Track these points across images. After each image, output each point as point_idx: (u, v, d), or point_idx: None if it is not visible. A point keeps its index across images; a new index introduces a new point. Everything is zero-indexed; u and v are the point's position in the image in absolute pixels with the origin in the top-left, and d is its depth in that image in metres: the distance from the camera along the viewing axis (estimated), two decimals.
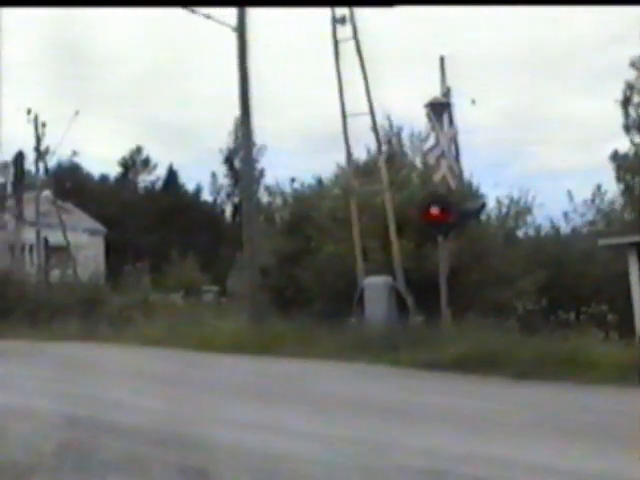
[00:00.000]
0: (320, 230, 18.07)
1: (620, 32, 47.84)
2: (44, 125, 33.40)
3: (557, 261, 19.56)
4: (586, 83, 65.08)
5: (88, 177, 57.65)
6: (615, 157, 37.43)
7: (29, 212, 35.60)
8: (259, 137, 37.88)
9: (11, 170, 42.73)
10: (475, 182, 21.02)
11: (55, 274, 29.90)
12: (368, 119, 17.05)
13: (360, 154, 21.24)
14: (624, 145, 37.79)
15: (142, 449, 6.41)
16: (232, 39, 17.51)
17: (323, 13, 16.85)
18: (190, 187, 59.81)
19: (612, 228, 23.02)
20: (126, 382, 10.65)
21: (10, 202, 39.49)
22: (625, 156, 37.22)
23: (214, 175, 59.60)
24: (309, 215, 18.66)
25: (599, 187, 27.28)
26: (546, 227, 23.85)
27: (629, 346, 11.74)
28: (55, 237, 33.82)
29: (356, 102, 16.79)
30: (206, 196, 60.44)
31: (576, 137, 67.24)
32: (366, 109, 16.83)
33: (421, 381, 10.78)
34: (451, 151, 16.69)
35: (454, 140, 19.65)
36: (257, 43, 18.13)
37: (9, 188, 42.39)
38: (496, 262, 17.89)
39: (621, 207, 29.36)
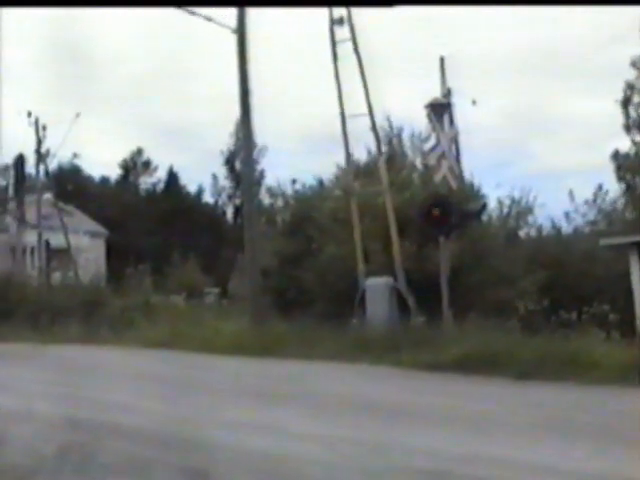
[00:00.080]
0: (321, 231, 18.07)
1: (620, 32, 47.84)
2: (45, 128, 33.50)
3: (558, 261, 19.52)
4: (587, 83, 65.05)
5: (89, 179, 57.66)
6: (616, 157, 37.37)
7: (30, 215, 35.65)
8: (259, 138, 38.03)
9: (12, 173, 42.81)
10: (476, 182, 21.04)
11: (56, 277, 29.96)
12: (368, 120, 17.08)
13: (361, 155, 21.25)
14: (625, 145, 37.79)
15: (143, 451, 6.41)
16: (232, 40, 17.54)
17: (323, 13, 16.90)
18: (191, 189, 59.89)
19: (613, 228, 22.98)
20: (127, 384, 10.66)
21: (11, 205, 39.58)
22: (626, 156, 37.18)
23: (215, 177, 59.67)
24: (310, 216, 18.65)
25: (600, 187, 27.20)
26: (547, 227, 23.85)
27: (631, 346, 11.71)
28: (56, 239, 33.85)
29: (357, 103, 16.82)
30: (207, 198, 60.56)
31: (577, 137, 67.31)
32: (366, 110, 16.84)
33: (423, 382, 10.77)
34: (452, 152, 16.71)
35: (455, 141, 19.68)
36: (257, 44, 18.16)
37: (10, 191, 42.44)
38: (497, 262, 17.88)
39: (622, 207, 29.29)
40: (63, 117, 45.44)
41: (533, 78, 68.51)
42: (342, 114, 16.98)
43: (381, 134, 21.81)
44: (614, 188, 32.15)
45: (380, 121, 21.69)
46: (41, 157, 34.30)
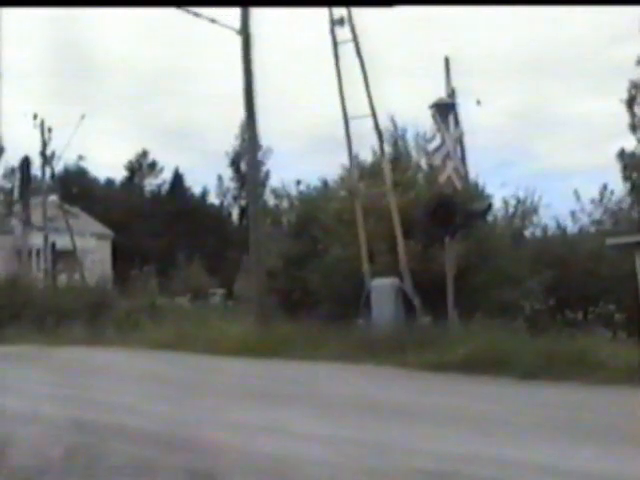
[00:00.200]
0: (327, 232, 18.06)
1: (620, 32, 47.76)
2: (50, 130, 33.58)
3: (564, 261, 19.46)
4: (591, 82, 65.06)
5: (94, 181, 57.83)
6: (622, 156, 37.32)
7: (36, 217, 35.74)
8: (264, 139, 38.01)
9: (17, 175, 42.93)
10: (481, 182, 20.97)
11: (62, 278, 30.06)
12: (372, 121, 17.04)
13: (366, 155, 21.21)
14: (630, 144, 37.72)
15: (149, 452, 6.41)
16: (237, 42, 17.56)
17: (327, 14, 16.87)
18: (196, 190, 60.05)
19: (620, 227, 22.89)
20: (133, 386, 10.67)
21: (17, 207, 39.68)
22: (632, 155, 37.11)
23: (220, 178, 59.80)
24: (315, 217, 18.64)
25: (605, 186, 27.13)
26: (553, 227, 23.78)
27: (637, 346, 11.69)
28: (62, 241, 33.92)
29: (361, 104, 16.79)
30: (212, 199, 60.69)
31: (582, 136, 67.31)
32: (369, 111, 16.81)
33: (428, 382, 10.76)
34: (457, 152, 16.67)
35: (460, 141, 19.63)
36: (262, 45, 18.20)
37: (16, 193, 42.56)
38: (503, 262, 17.83)
39: (628, 206, 29.20)
40: (68, 119, 45.56)
41: (538, 78, 68.48)
42: (344, 115, 16.96)
43: (386, 134, 21.79)
44: (620, 187, 32.09)
45: (384, 122, 21.64)
46: (46, 159, 34.39)
